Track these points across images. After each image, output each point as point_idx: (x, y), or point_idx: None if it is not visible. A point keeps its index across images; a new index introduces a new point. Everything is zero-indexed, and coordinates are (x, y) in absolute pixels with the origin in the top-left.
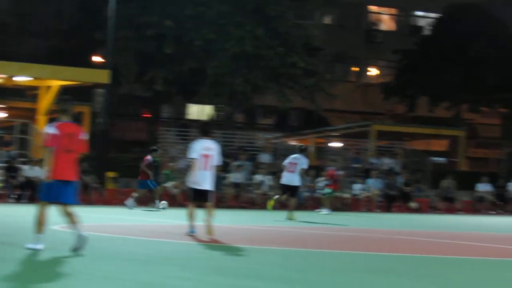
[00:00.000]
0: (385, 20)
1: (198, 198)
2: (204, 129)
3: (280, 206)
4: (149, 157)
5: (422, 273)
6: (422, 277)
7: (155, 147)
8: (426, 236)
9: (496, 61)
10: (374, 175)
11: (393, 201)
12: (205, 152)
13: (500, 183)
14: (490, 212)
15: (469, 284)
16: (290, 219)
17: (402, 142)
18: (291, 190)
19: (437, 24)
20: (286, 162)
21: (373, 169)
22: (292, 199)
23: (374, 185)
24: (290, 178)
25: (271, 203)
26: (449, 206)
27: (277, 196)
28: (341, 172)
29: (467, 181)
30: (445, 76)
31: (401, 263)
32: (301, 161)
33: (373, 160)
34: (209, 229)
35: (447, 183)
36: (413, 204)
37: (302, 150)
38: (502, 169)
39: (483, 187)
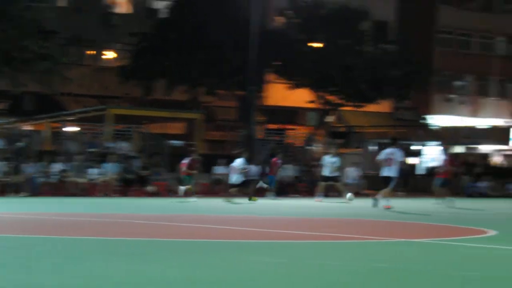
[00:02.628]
0: (122, 2)
1: None
2: None
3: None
4: None
5: (156, 256)
6: (156, 260)
7: None
8: (164, 219)
9: (235, 45)
10: (111, 159)
11: (130, 185)
12: None
13: None
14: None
15: (196, 266)
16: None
17: (140, 125)
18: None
19: (175, 7)
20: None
21: (110, 153)
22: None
23: (111, 170)
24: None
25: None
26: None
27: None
28: None
29: (205, 164)
30: (183, 59)
31: (137, 246)
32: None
33: (110, 144)
34: None
35: None
36: (150, 188)
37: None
38: (239, 151)
39: (221, 170)
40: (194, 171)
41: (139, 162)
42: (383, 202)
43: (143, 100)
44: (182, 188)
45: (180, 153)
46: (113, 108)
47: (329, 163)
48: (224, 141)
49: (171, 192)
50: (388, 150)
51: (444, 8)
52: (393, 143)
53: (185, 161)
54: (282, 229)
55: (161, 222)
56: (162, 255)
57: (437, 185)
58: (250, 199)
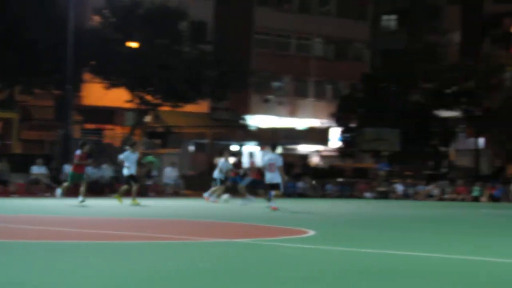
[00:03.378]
0: None
1: None
2: None
3: None
4: None
5: None
6: None
7: None
8: None
9: (51, 43)
10: None
11: None
12: None
13: (54, 165)
14: (45, 194)
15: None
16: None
17: None
18: (132, 179)
19: None
20: (121, 157)
21: None
22: (134, 186)
23: None
24: (126, 170)
25: (118, 196)
26: (3, 189)
27: (124, 187)
28: None
29: (21, 164)
30: None
31: None
32: (125, 155)
33: None
34: None
35: (0, 166)
36: None
37: (132, 145)
38: (56, 151)
39: (38, 170)
40: (86, 162)
41: None
42: (273, 204)
43: None
44: (59, 190)
45: None
46: None
47: (224, 167)
48: (41, 141)
49: None
50: (270, 156)
51: (261, 9)
52: (273, 149)
53: (78, 152)
54: (101, 229)
55: None
56: None
57: (243, 183)
58: (117, 197)
